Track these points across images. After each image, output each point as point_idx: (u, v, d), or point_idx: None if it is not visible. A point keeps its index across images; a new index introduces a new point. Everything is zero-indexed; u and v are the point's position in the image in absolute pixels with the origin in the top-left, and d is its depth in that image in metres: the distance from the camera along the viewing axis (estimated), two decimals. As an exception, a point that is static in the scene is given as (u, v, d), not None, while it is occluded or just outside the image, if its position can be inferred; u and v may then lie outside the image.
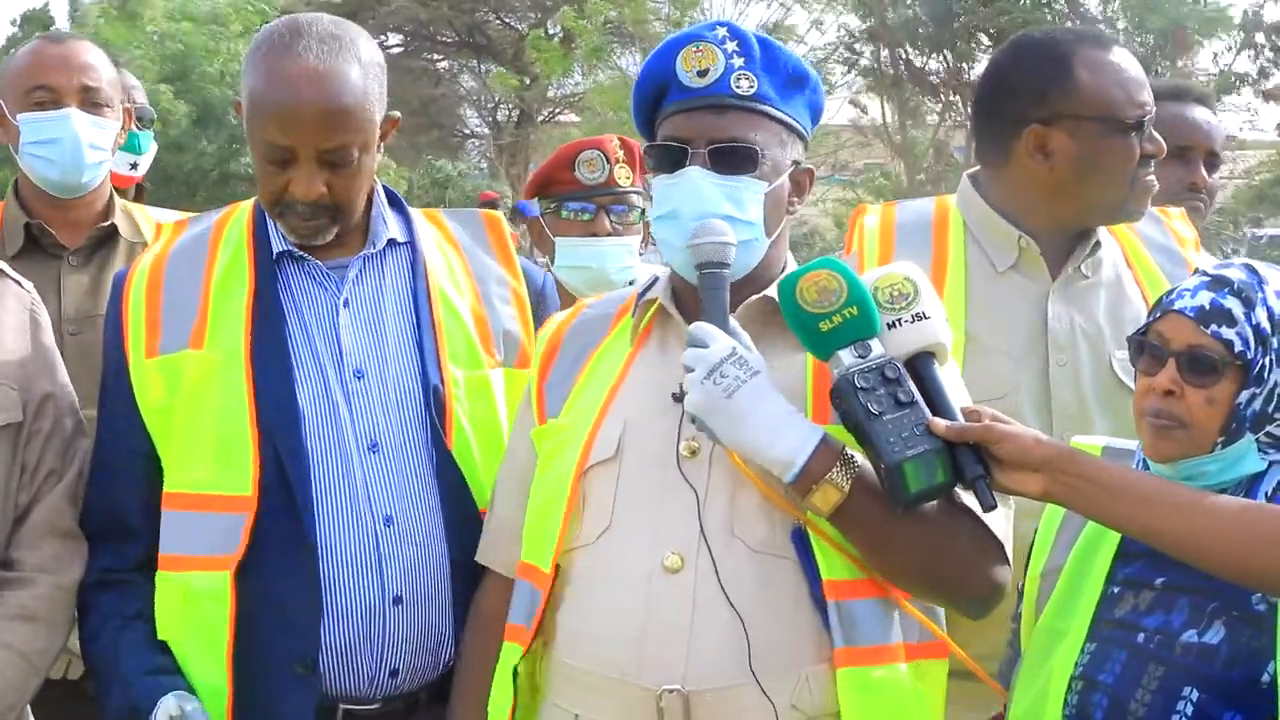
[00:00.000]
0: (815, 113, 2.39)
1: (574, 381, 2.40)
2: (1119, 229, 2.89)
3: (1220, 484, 2.13)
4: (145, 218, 3.40)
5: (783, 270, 2.37)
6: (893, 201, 3.10)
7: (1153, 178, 2.77)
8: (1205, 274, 2.18)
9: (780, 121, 2.31)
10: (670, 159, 2.29)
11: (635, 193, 3.63)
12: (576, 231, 3.60)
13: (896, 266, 2.26)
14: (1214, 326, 2.11)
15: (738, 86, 2.28)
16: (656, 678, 2.19)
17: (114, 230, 3.33)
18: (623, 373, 2.36)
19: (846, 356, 2.11)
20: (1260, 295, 2.13)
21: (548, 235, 3.65)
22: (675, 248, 2.28)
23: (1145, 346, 2.18)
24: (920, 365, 2.17)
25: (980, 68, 20.18)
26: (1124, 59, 2.78)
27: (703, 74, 2.28)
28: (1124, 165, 2.74)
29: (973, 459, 2.09)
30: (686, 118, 2.29)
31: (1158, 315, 2.18)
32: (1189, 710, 2.04)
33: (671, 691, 2.17)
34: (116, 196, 3.41)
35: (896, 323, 2.17)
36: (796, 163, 2.35)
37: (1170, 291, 2.20)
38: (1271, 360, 2.11)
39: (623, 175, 3.60)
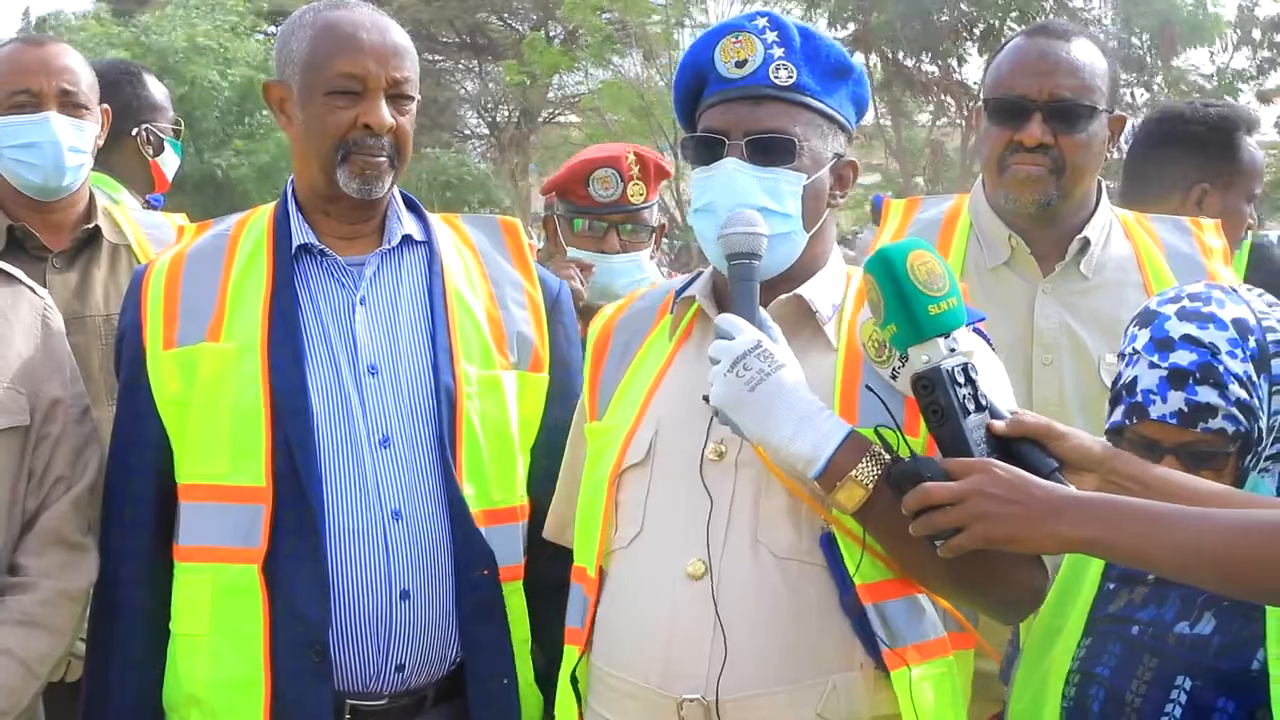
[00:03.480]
0: (859, 105, 2.36)
1: (620, 380, 2.39)
2: (1137, 234, 2.90)
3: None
4: (127, 219, 3.42)
5: (824, 267, 2.34)
6: (917, 197, 3.14)
7: (1024, 168, 2.75)
8: (1154, 364, 2.14)
9: (820, 113, 2.28)
10: (707, 151, 2.27)
11: (647, 208, 3.63)
12: (586, 246, 3.60)
13: None
14: (1201, 425, 2.10)
15: (776, 77, 2.25)
16: (679, 686, 2.16)
17: (97, 232, 3.32)
18: (661, 373, 2.34)
19: (943, 345, 2.06)
20: (1222, 368, 2.11)
21: (560, 238, 3.66)
22: (710, 240, 2.25)
23: (1127, 441, 2.17)
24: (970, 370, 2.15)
25: (969, 67, 20.24)
26: (1041, 46, 2.76)
27: (741, 64, 2.26)
28: (988, 148, 2.78)
29: (1041, 454, 2.07)
30: (724, 109, 2.26)
31: (1133, 420, 2.15)
32: (1182, 699, 2.06)
33: (692, 701, 2.15)
34: (97, 198, 3.42)
35: None
36: (839, 155, 2.32)
37: (1130, 388, 2.16)
38: (1261, 413, 2.12)
39: (635, 193, 3.58)
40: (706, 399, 2.16)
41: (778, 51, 2.26)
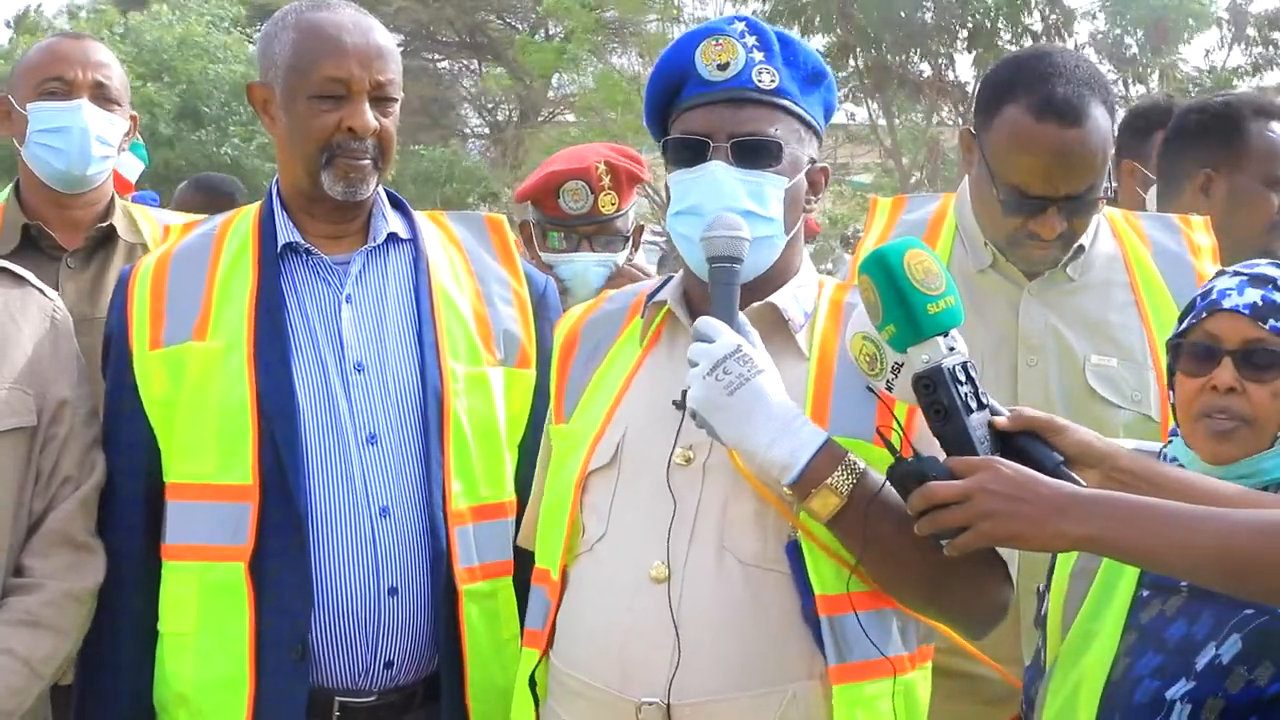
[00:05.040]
0: (828, 111, 2.36)
1: (588, 382, 2.37)
2: (1124, 232, 2.89)
3: (1274, 480, 2.14)
4: (146, 218, 3.39)
5: (796, 274, 2.34)
6: (903, 196, 3.12)
7: (1040, 253, 2.74)
8: (1240, 273, 2.18)
9: (799, 118, 2.27)
10: (690, 153, 2.25)
11: (620, 217, 3.58)
12: (560, 258, 3.54)
13: None
14: (1271, 321, 2.11)
15: (759, 80, 2.24)
16: (637, 689, 2.15)
17: (112, 231, 3.30)
18: (630, 377, 2.32)
19: (942, 344, 2.04)
20: None
21: (534, 244, 3.63)
22: (693, 242, 2.23)
23: (1187, 347, 2.18)
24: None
25: (959, 65, 20.24)
26: (1055, 143, 2.63)
27: (723, 68, 2.25)
28: (998, 221, 2.74)
29: (1045, 449, 2.06)
30: (707, 111, 2.25)
31: (1203, 315, 2.17)
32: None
33: (650, 704, 2.14)
34: (117, 197, 3.40)
35: None
36: (813, 160, 2.31)
37: (1208, 291, 2.19)
38: None
39: (607, 203, 3.53)
40: (676, 403, 2.15)
41: (758, 55, 2.26)
